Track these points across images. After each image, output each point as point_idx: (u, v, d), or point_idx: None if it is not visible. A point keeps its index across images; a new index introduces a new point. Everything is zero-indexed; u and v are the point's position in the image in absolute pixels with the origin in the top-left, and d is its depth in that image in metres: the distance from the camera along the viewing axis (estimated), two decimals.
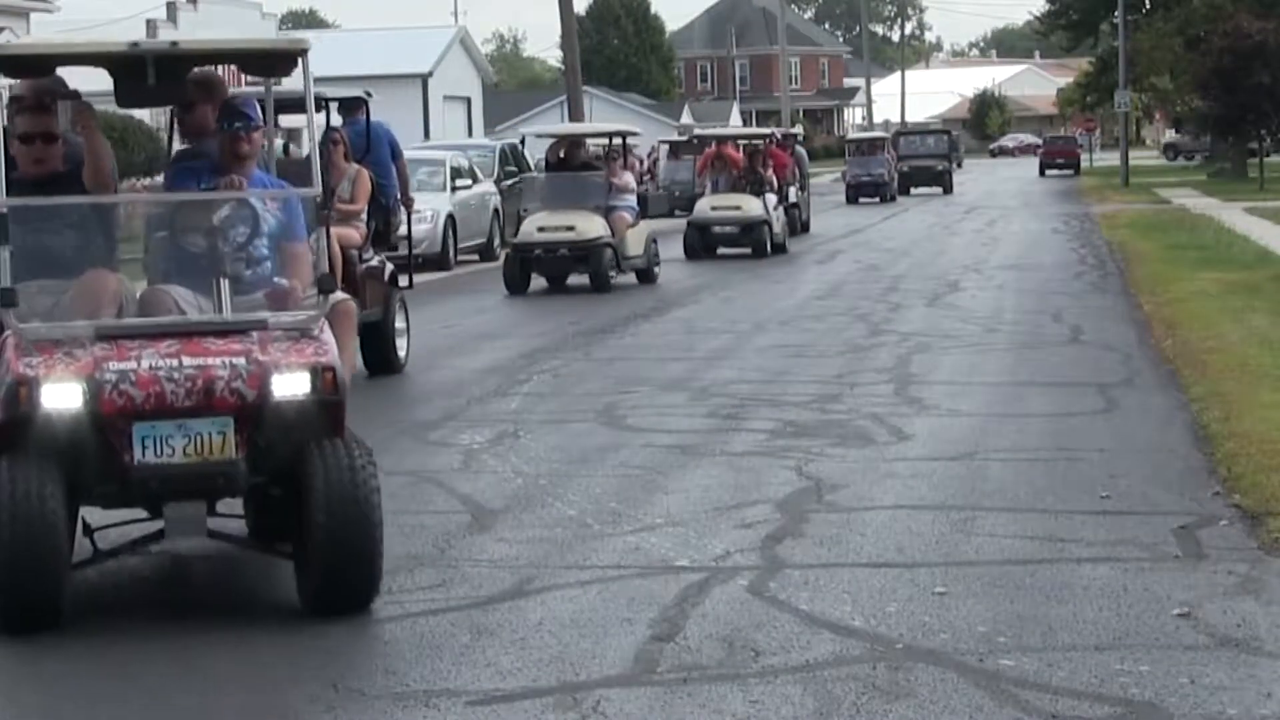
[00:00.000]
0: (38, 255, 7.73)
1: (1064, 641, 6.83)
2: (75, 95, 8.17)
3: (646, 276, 24.41)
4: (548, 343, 17.35)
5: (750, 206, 29.51)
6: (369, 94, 15.61)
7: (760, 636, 6.96)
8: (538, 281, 23.51)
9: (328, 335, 7.46)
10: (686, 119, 78.22)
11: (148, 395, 7.07)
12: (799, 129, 58.23)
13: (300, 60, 7.72)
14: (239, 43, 7.63)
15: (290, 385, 7.22)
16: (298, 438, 7.26)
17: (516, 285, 23.08)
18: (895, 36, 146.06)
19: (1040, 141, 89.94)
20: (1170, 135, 76.17)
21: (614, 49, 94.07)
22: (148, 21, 45.63)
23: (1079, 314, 18.96)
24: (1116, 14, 61.90)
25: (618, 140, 25.38)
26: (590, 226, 22.91)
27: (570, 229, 22.91)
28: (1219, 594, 7.47)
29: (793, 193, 34.86)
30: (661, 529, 8.85)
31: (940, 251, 30.41)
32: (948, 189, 57.28)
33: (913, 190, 56.86)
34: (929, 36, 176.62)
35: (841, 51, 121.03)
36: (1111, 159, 75.02)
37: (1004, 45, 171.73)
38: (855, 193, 52.14)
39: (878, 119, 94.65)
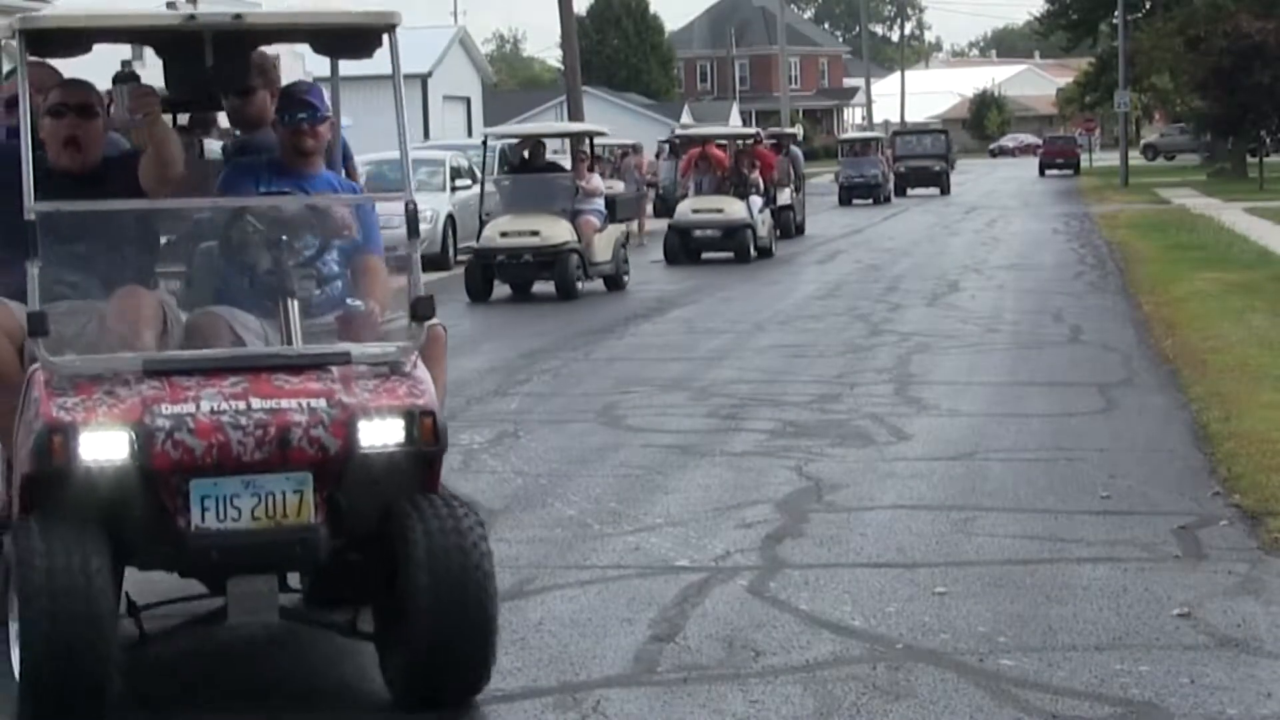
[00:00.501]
0: (66, 269, 6.51)
1: (1064, 641, 6.83)
2: (133, 76, 6.86)
3: (615, 284, 23.53)
4: (548, 343, 17.35)
5: (733, 209, 28.46)
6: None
7: (760, 636, 6.96)
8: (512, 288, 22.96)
9: (423, 372, 6.17)
10: (687, 119, 78.16)
11: (209, 446, 5.77)
12: (799, 129, 58.03)
13: (388, 38, 6.43)
14: (315, 16, 6.41)
15: (382, 433, 5.96)
16: (387, 495, 6.05)
17: (478, 293, 22.30)
18: (895, 36, 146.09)
19: (1040, 141, 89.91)
20: (1150, 135, 76.21)
21: (614, 49, 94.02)
22: None
23: (1079, 314, 18.97)
24: (1116, 14, 61.93)
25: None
26: (556, 231, 22.11)
27: (535, 234, 22.11)
28: (1219, 594, 7.47)
29: (787, 194, 34.58)
30: (661, 529, 8.85)
31: (940, 251, 30.40)
32: (945, 190, 56.93)
33: (909, 191, 56.56)
34: (929, 36, 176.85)
35: (841, 51, 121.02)
36: (1111, 159, 75.01)
37: (1004, 45, 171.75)
38: (848, 194, 51.51)
39: (878, 119, 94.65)
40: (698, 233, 28.45)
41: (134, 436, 5.74)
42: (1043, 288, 22.38)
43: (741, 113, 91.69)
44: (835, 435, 11.50)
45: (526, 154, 24.21)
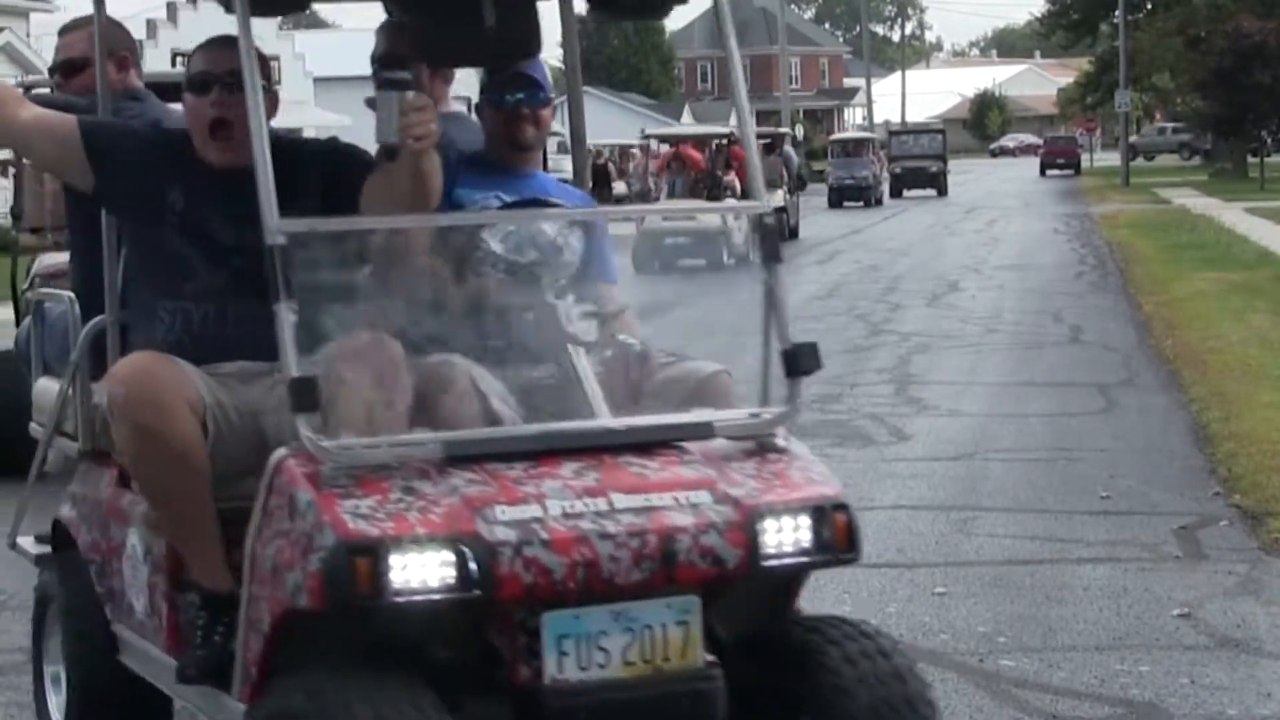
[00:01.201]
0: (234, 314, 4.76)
1: (1064, 641, 6.83)
2: (406, 82, 4.71)
3: None
4: None
5: (705, 215, 26.21)
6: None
7: None
8: None
9: (801, 447, 4.60)
10: (687, 119, 78.18)
11: (572, 565, 4.02)
12: (799, 129, 57.78)
13: None
14: None
15: (788, 539, 4.28)
16: (755, 620, 4.56)
17: None
18: (895, 36, 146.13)
19: (1040, 141, 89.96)
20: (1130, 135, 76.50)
21: (614, 49, 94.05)
22: (148, 22, 45.69)
23: (1079, 314, 18.97)
24: (1117, 14, 61.95)
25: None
26: None
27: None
28: (1219, 594, 7.47)
29: (779, 196, 34.11)
30: None
31: (940, 252, 30.41)
32: (942, 191, 56.17)
33: (906, 193, 55.70)
34: (929, 36, 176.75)
35: (841, 51, 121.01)
36: (1112, 159, 75.05)
37: (1004, 45, 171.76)
38: (838, 196, 50.14)
39: (878, 119, 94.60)
40: (668, 240, 26.58)
41: (469, 555, 3.96)
42: (1043, 288, 22.39)
43: None
44: (835, 435, 11.50)
45: None
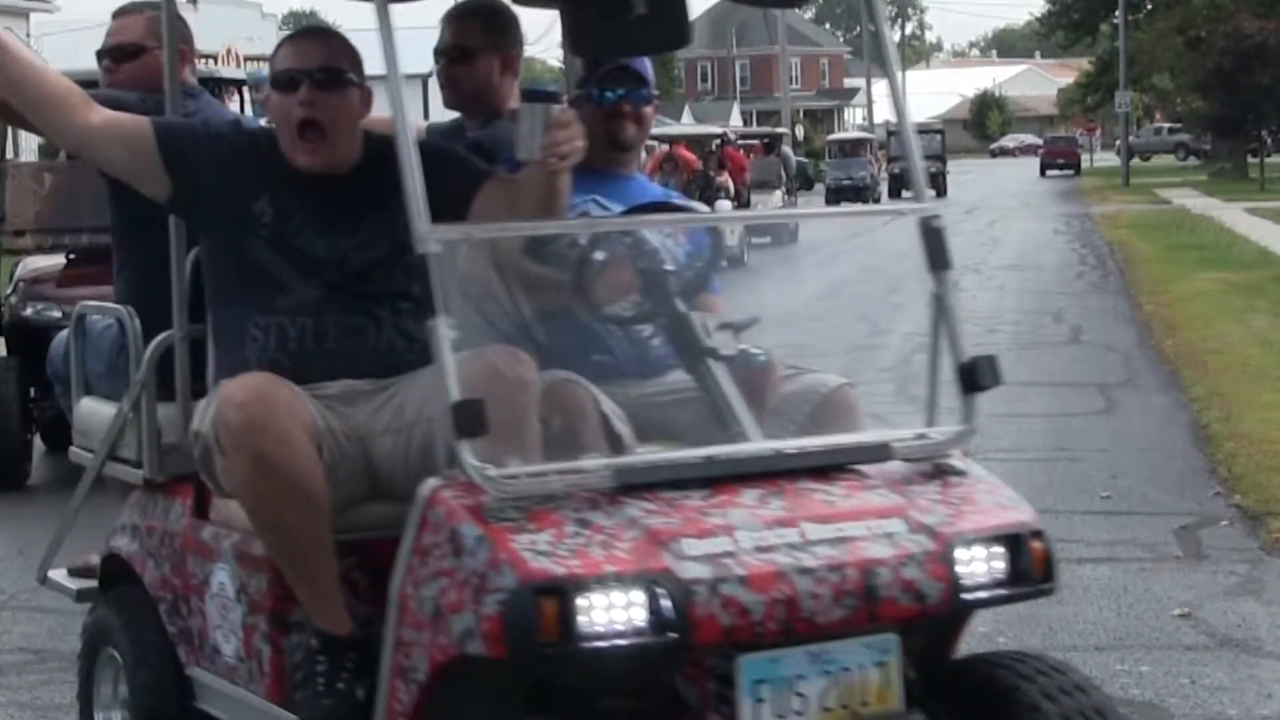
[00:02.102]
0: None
1: (1064, 642, 6.82)
2: (551, 94, 4.37)
3: None
4: None
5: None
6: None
7: None
8: None
9: (980, 468, 4.22)
10: (687, 119, 78.20)
11: (770, 604, 3.61)
12: (799, 129, 57.74)
13: None
14: None
15: (986, 570, 3.88)
16: (944, 654, 4.18)
17: None
18: (895, 37, 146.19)
19: (1040, 142, 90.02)
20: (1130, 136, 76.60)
21: None
22: None
23: (1079, 314, 18.97)
24: (1117, 14, 61.98)
25: None
26: None
27: None
28: (1219, 594, 7.46)
29: (777, 196, 33.88)
30: None
31: None
32: (941, 191, 55.90)
33: (904, 193, 55.91)
34: (929, 37, 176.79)
35: (842, 52, 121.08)
36: (1111, 159, 75.07)
37: (1004, 45, 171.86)
38: (835, 197, 49.05)
39: (878, 119, 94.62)
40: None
41: (662, 595, 3.55)
42: (1043, 288, 22.39)
43: (742, 113, 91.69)
44: None
45: None
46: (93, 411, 5.21)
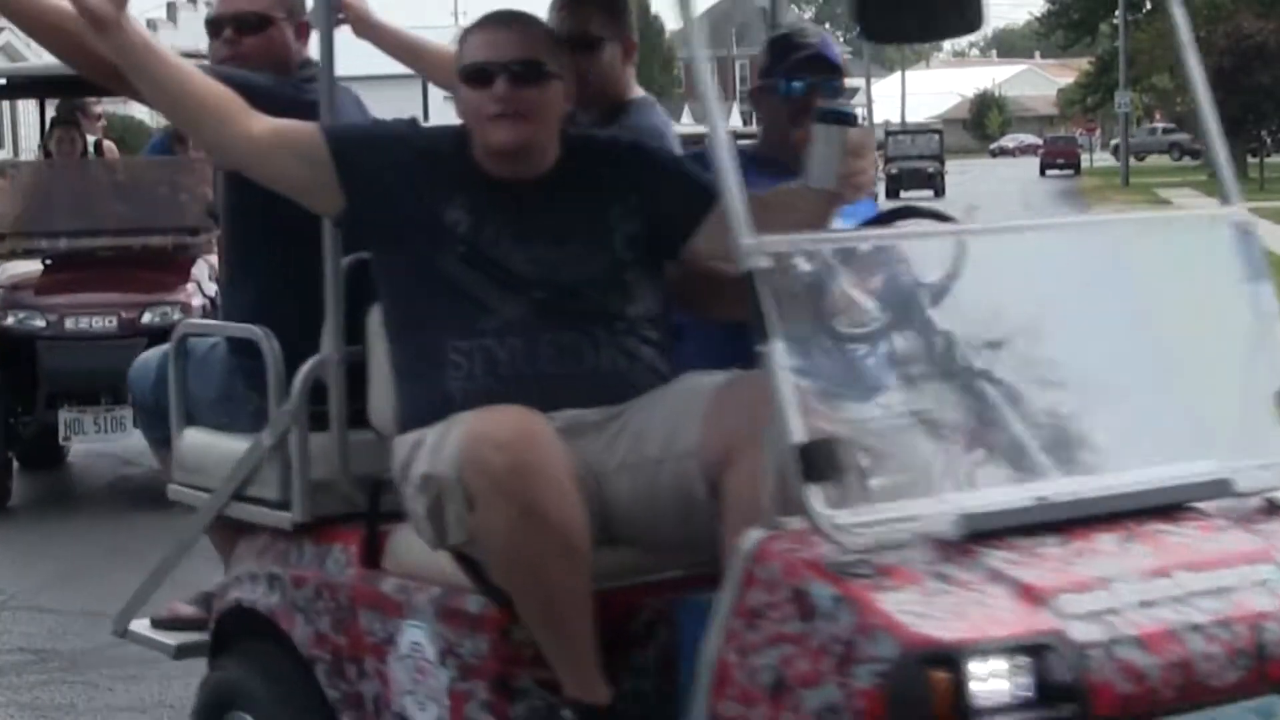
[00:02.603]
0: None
1: None
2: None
3: None
4: None
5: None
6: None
7: None
8: None
9: None
10: (687, 119, 78.25)
11: (1166, 668, 3.16)
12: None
13: None
14: None
15: None
16: None
17: None
18: None
19: (1040, 142, 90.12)
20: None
21: None
22: (148, 21, 45.75)
23: None
24: (1117, 14, 62.07)
25: None
26: None
27: None
28: None
29: None
30: None
31: None
32: (940, 192, 55.95)
33: (902, 194, 55.37)
34: None
35: (842, 52, 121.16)
36: (1110, 159, 75.15)
37: (1004, 45, 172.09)
38: None
39: (878, 119, 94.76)
40: None
41: (1055, 660, 3.08)
42: None
43: (742, 113, 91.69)
44: None
45: None
46: (205, 445, 4.59)
